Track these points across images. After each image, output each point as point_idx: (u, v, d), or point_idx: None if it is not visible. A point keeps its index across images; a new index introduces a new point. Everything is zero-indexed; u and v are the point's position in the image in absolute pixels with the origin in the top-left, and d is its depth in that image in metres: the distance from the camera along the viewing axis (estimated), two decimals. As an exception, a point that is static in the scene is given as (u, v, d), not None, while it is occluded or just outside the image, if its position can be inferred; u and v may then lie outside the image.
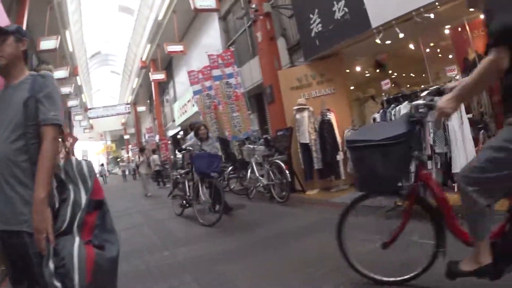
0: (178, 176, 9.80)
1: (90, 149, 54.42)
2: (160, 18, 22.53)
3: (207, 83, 14.48)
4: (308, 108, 9.56)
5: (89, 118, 41.94)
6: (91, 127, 53.47)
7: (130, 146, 55.79)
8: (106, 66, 45.57)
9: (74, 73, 27.92)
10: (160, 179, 20.65)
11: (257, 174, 9.51)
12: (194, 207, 8.18)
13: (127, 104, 41.87)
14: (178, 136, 27.39)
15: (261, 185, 9.42)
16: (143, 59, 29.80)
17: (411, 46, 9.56)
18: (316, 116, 9.53)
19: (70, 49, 24.47)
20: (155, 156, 20.90)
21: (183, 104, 23.77)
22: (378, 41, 7.80)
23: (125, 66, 41.54)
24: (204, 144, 8.49)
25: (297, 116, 9.58)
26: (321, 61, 10.21)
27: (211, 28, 19.45)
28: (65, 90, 24.59)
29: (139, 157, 17.17)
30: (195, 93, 15.60)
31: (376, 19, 7.80)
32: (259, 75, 13.24)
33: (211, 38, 19.13)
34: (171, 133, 29.83)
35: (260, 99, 15.32)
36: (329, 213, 6.31)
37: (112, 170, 66.85)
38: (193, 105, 19.88)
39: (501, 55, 2.11)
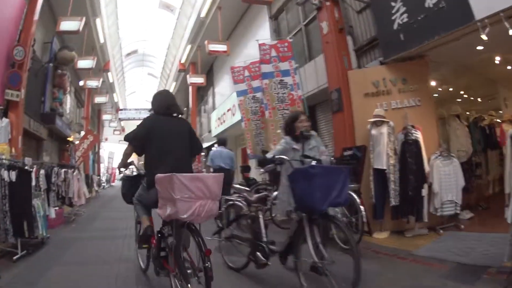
0: (241, 205, 5.62)
1: (119, 152, 52.69)
2: (203, 15, 21.10)
3: (254, 83, 12.81)
4: (388, 122, 7.62)
5: (120, 119, 41.08)
6: (122, 130, 52.89)
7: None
8: (143, 67, 44.29)
9: (104, 68, 27.49)
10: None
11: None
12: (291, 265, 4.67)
13: (162, 108, 40.06)
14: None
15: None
16: (182, 61, 28.36)
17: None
18: (397, 134, 7.56)
19: (101, 40, 23.57)
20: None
21: (221, 113, 22.21)
22: (484, 37, 5.99)
23: (163, 69, 40.56)
24: (305, 146, 5.17)
25: (373, 131, 7.59)
26: (404, 63, 8.32)
27: (260, 28, 17.85)
28: (90, 83, 23.47)
29: None
30: (238, 94, 13.73)
31: (481, 8, 6.05)
32: (315, 82, 11.66)
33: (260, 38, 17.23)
34: (205, 144, 28.11)
35: (314, 112, 13.39)
36: (423, 275, 5.08)
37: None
38: (233, 115, 18.78)
39: None
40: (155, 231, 4.69)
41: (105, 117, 39.18)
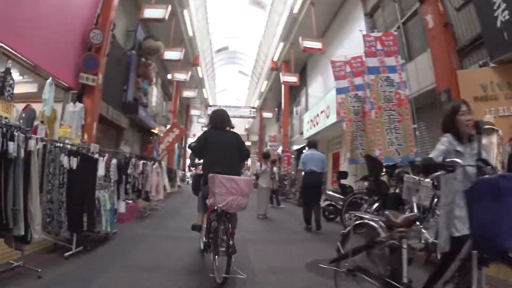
0: (377, 227, 4.03)
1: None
2: (295, 11, 20.23)
3: (357, 80, 11.81)
4: (498, 131, 6.31)
5: (209, 116, 39.97)
6: None
7: (250, 154, 54.78)
8: (234, 64, 44.16)
9: (194, 62, 27.45)
10: (274, 195, 17.60)
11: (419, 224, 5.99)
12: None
13: (253, 108, 40.14)
14: (304, 151, 24.47)
15: (422, 241, 6.08)
16: (275, 59, 27.60)
17: None
18: (504, 145, 6.33)
19: (190, 33, 23.34)
20: (275, 169, 17.96)
21: (314, 115, 21.30)
22: None
23: (254, 68, 39.98)
24: (467, 149, 3.57)
25: (484, 141, 6.06)
26: (509, 66, 7.22)
27: (355, 26, 16.38)
28: (178, 76, 23.23)
29: (261, 165, 13.56)
30: (339, 91, 12.67)
31: None
32: (415, 84, 10.72)
33: (353, 42, 16.09)
34: (295, 147, 27.18)
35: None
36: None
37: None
38: (327, 117, 18.00)
39: None
40: (208, 217, 6.00)
41: (193, 112, 39.29)
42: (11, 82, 7.97)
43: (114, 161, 8.88)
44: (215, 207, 5.26)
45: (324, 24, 20.37)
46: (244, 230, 9.75)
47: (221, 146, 5.80)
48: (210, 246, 5.59)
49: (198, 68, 29.87)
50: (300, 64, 25.80)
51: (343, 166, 18.63)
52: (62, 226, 6.10)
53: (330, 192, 12.17)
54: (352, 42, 16.38)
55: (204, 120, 43.64)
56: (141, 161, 11.68)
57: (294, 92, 29.57)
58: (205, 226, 6.24)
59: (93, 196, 6.79)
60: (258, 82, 38.88)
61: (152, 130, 21.26)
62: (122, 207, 9.16)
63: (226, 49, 38.73)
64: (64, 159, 6.20)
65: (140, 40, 17.70)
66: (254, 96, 43.68)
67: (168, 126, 23.79)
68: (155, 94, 24.07)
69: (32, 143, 5.13)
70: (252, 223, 11.32)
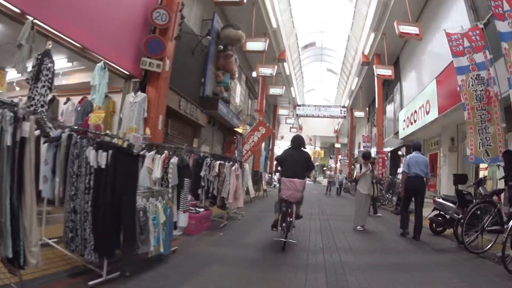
0: None
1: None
2: (386, -3, 18.29)
3: (478, 57, 9.60)
4: None
5: (298, 115, 38.80)
6: (300, 128, 51.34)
7: (340, 156, 52.97)
8: (322, 62, 41.86)
9: (279, 57, 25.95)
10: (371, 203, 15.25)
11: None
12: None
13: (343, 107, 37.82)
14: (399, 153, 22.87)
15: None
16: (366, 52, 25.44)
17: None
18: None
19: (274, 25, 21.80)
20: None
21: (412, 112, 19.08)
22: None
23: (343, 64, 38.07)
24: None
25: None
26: None
27: (452, 8, 14.75)
28: (264, 70, 21.66)
29: (360, 167, 10.98)
30: (459, 70, 10.08)
31: None
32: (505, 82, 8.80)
33: (452, 21, 13.97)
34: (387, 148, 24.84)
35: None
36: None
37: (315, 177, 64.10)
38: (427, 113, 16.18)
39: None
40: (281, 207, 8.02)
41: (281, 112, 37.42)
42: (49, 65, 6.64)
43: (174, 160, 7.04)
44: (283, 197, 7.87)
45: (418, 8, 18.25)
46: (339, 249, 7.77)
47: (294, 160, 8.16)
48: (281, 224, 7.84)
49: (285, 64, 28.21)
50: (392, 57, 23.67)
51: (445, 169, 17.01)
52: (87, 246, 4.43)
53: (441, 200, 10.02)
54: (451, 21, 14.28)
55: (293, 121, 41.94)
56: (217, 162, 9.90)
57: (387, 89, 27.24)
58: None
59: (133, 206, 4.88)
60: (348, 80, 36.81)
61: (235, 129, 19.56)
62: (183, 220, 7.22)
63: (313, 45, 36.61)
64: (91, 154, 4.44)
65: (218, 30, 16.22)
66: (344, 95, 41.44)
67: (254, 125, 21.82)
68: (238, 90, 22.51)
69: (26, 126, 3.40)
70: (348, 237, 9.32)
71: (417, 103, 18.11)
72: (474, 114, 9.31)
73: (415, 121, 18.40)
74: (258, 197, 19.70)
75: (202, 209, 9.18)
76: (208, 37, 14.63)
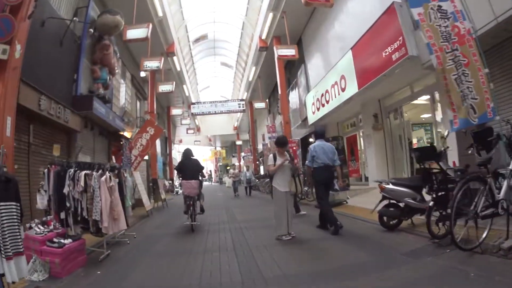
0: None
1: (194, 152, 48.76)
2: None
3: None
4: None
5: (193, 114, 36.28)
6: (198, 129, 49.25)
7: (242, 154, 51.63)
8: (215, 56, 39.62)
9: (168, 50, 23.86)
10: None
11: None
12: None
13: (241, 100, 35.76)
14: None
15: None
16: (263, 36, 23.70)
17: None
18: None
19: (159, 13, 19.68)
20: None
21: (322, 92, 17.77)
22: None
23: (239, 56, 36.27)
24: None
25: None
26: None
27: None
28: (150, 63, 19.31)
29: (274, 157, 8.55)
30: (413, 3, 7.68)
31: None
32: (484, 12, 7.69)
33: None
34: (298, 137, 23.31)
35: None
36: None
37: (221, 178, 62.16)
38: (343, 90, 15.27)
39: None
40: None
41: (174, 112, 34.39)
42: None
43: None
44: (185, 194, 10.91)
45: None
46: (268, 283, 5.16)
47: (187, 167, 11.12)
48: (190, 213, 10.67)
49: (175, 58, 25.77)
50: (294, 38, 22.25)
51: (371, 150, 15.86)
52: None
53: (391, 186, 8.10)
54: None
55: (188, 121, 39.56)
56: (83, 172, 7.32)
57: (288, 74, 26.00)
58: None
59: None
60: (245, 72, 35.15)
61: (122, 133, 16.81)
62: (14, 271, 4.56)
63: (205, 38, 34.20)
64: None
65: (94, 18, 13.65)
66: (241, 88, 39.72)
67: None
68: (123, 90, 19.74)
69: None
70: (275, 254, 6.76)
71: (328, 81, 16.83)
72: (444, 57, 7.01)
73: (327, 101, 17.12)
74: (157, 209, 17.21)
75: (69, 240, 6.63)
76: (75, 18, 11.70)
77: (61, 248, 6.27)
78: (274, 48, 20.68)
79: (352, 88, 14.03)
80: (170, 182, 32.19)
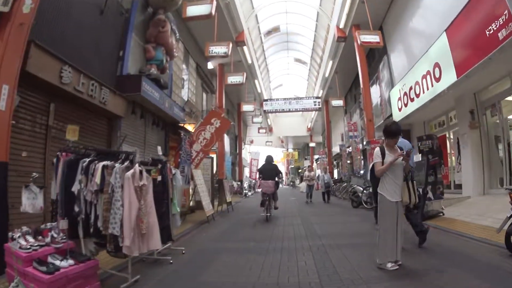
0: None
1: (265, 153, 47.47)
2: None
3: None
4: None
5: (265, 112, 34.00)
6: (270, 129, 47.12)
7: (316, 156, 49.31)
8: (289, 51, 37.11)
9: (237, 39, 21.38)
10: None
11: None
12: None
13: (317, 98, 32.96)
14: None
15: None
16: (341, 25, 21.07)
17: None
18: None
19: None
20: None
21: (410, 86, 15.35)
22: None
23: (313, 51, 33.77)
24: None
25: None
26: None
27: None
28: (215, 49, 16.87)
29: (382, 152, 5.42)
30: None
31: None
32: None
33: None
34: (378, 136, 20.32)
35: None
36: None
37: (293, 181, 59.61)
38: (437, 80, 12.83)
39: None
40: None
41: (245, 108, 31.59)
42: None
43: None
44: (263, 191, 13.14)
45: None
46: None
47: (267, 170, 13.41)
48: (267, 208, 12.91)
49: (245, 49, 23.36)
50: (374, 27, 19.08)
51: (466, 152, 13.38)
52: None
53: None
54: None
55: (260, 120, 37.29)
56: (101, 163, 5.04)
57: (368, 68, 22.69)
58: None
59: None
60: (321, 68, 32.37)
61: (181, 125, 14.53)
62: None
63: (277, 31, 31.81)
64: None
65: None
66: (316, 86, 37.08)
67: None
68: (186, 78, 17.58)
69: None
70: None
71: (418, 71, 14.52)
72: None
73: (417, 95, 14.62)
74: (221, 213, 14.92)
75: (71, 261, 4.35)
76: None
77: (50, 274, 4.02)
78: (356, 33, 17.93)
79: (449, 77, 11.64)
80: (239, 183, 29.90)
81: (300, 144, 69.86)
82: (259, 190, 15.34)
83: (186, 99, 16.36)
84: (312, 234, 9.16)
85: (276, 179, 13.41)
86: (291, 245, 7.81)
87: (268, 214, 12.74)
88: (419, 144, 12.72)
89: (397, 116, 16.99)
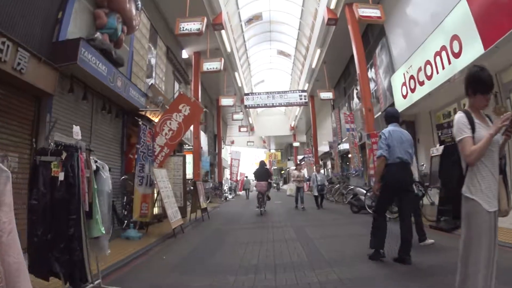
0: None
1: (246, 154, 48.76)
2: None
3: None
4: None
5: (246, 107, 31.17)
6: (251, 128, 44.88)
7: (299, 156, 47.74)
8: (271, 42, 34.76)
9: (214, 22, 19.12)
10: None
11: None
12: None
13: (303, 91, 30.43)
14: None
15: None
16: (332, 6, 18.85)
17: None
18: None
19: None
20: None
21: (419, 66, 13.02)
22: None
23: (299, 40, 31.44)
24: None
25: None
26: None
27: None
28: (186, 25, 14.57)
29: (469, 124, 3.15)
30: None
31: None
32: None
33: None
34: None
35: None
36: None
37: (277, 183, 57.74)
38: (456, 56, 10.52)
39: None
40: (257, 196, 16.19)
41: (224, 101, 28.19)
42: None
43: None
44: (258, 190, 16.08)
45: None
46: None
47: (260, 173, 16.06)
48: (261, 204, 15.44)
49: (223, 34, 20.77)
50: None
51: None
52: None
53: None
54: None
55: (241, 116, 34.89)
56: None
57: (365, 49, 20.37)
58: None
59: None
60: (306, 59, 29.87)
61: (142, 113, 11.67)
62: None
63: (259, 19, 29.47)
64: None
65: None
66: (301, 79, 34.53)
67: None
68: (152, 60, 14.90)
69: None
70: None
71: (429, 48, 12.21)
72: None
73: (429, 77, 12.29)
74: (194, 222, 12.34)
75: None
76: None
77: None
78: (354, 7, 15.67)
79: (474, 50, 9.39)
80: (219, 184, 27.10)
81: (282, 145, 67.76)
82: (255, 188, 17.36)
83: (151, 84, 13.48)
84: (317, 259, 6.39)
85: (269, 180, 16.91)
86: (290, 281, 5.06)
87: (262, 209, 15.36)
88: (439, 134, 10.81)
89: (401, 104, 14.70)
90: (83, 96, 8.71)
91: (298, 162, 25.98)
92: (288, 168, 51.10)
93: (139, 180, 9.21)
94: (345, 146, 24.91)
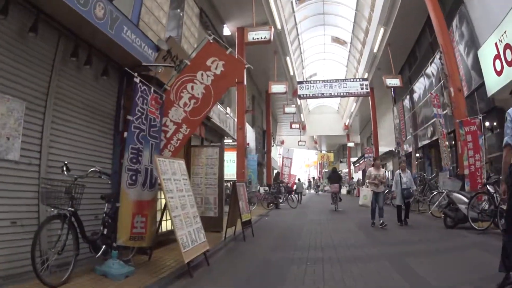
0: None
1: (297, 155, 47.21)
2: None
3: None
4: None
5: (300, 97, 27.35)
6: (303, 127, 41.69)
7: (352, 159, 45.80)
8: (325, 27, 31.03)
9: None
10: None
11: None
12: None
13: (364, 79, 26.60)
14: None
15: None
16: None
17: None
18: None
19: None
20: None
21: None
22: None
23: (356, 22, 27.81)
24: None
25: None
26: None
27: None
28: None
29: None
30: None
31: None
32: None
33: None
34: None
35: None
36: None
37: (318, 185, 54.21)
38: None
39: None
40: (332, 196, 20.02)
41: (275, 88, 24.23)
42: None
43: None
44: (332, 191, 20.27)
45: None
46: None
47: (333, 177, 20.54)
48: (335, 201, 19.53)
49: (272, 3, 17.32)
50: None
51: None
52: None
53: None
54: None
55: (293, 110, 32.03)
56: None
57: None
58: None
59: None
60: (367, 43, 26.18)
61: (150, 74, 7.45)
62: None
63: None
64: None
65: None
66: (360, 68, 30.82)
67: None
68: (176, 16, 11.14)
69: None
70: None
71: None
72: None
73: None
74: (232, 241, 8.57)
75: None
76: None
77: None
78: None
79: None
80: (266, 189, 23.01)
81: (334, 146, 64.79)
82: (327, 189, 22.85)
83: (168, 38, 9.44)
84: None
85: (340, 183, 21.70)
86: None
87: (336, 206, 18.72)
88: None
89: (494, 85, 11.91)
90: (32, 26, 4.85)
91: (376, 156, 21.05)
92: (340, 170, 46.50)
93: (131, 178, 5.46)
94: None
